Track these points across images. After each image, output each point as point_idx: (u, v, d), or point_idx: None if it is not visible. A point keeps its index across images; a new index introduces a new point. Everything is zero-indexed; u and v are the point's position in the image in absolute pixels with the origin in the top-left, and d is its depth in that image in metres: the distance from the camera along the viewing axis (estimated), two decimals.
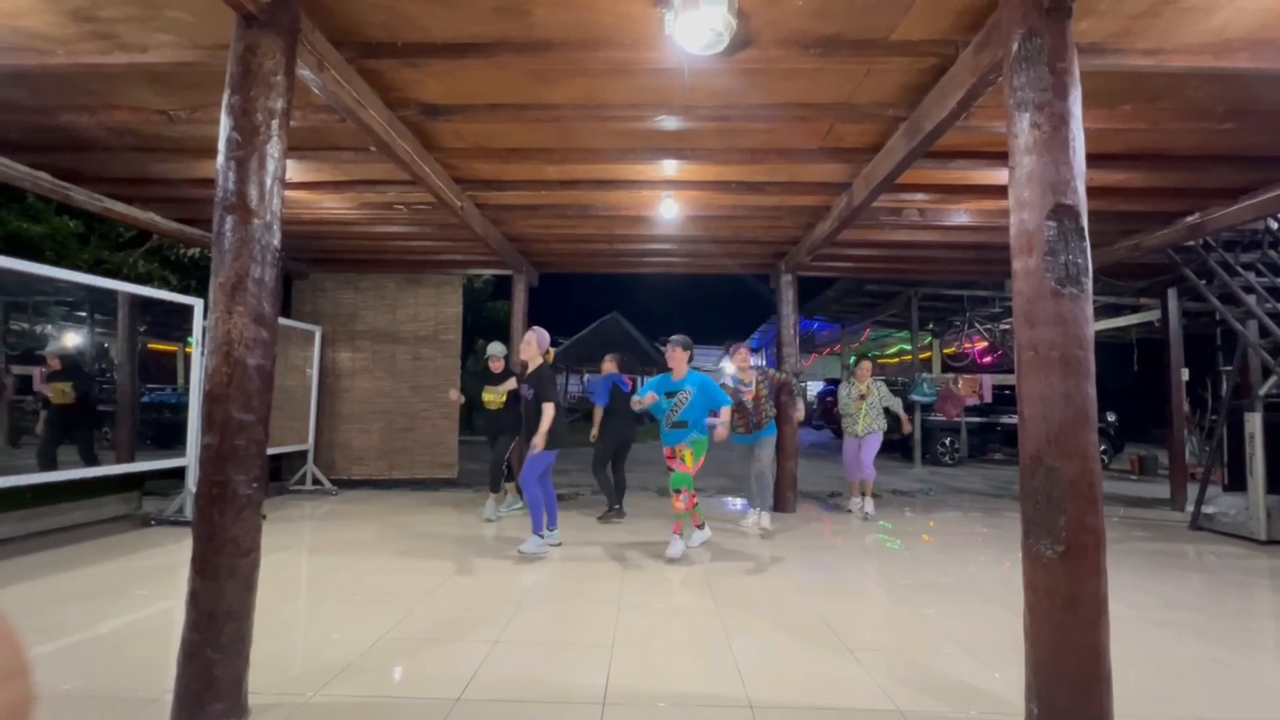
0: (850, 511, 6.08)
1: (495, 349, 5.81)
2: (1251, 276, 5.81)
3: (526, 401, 4.51)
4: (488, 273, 9.01)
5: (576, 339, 22.80)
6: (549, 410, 4.22)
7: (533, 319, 7.52)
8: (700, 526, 4.65)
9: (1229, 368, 6.50)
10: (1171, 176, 4.39)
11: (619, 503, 5.61)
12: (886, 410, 6.12)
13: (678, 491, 4.29)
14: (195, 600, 2.07)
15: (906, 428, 6.62)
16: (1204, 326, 9.52)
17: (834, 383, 18.50)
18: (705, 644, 2.83)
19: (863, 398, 6.05)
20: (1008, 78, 2.18)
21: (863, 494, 6.06)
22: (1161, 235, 5.40)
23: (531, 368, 4.48)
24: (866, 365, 6.25)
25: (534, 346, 4.45)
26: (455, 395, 5.97)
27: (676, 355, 4.43)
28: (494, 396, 5.61)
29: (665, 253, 7.03)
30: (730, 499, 7.03)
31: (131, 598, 3.35)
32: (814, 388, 21.26)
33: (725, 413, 4.39)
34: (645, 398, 4.44)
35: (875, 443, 6.02)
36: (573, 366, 23.85)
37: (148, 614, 3.13)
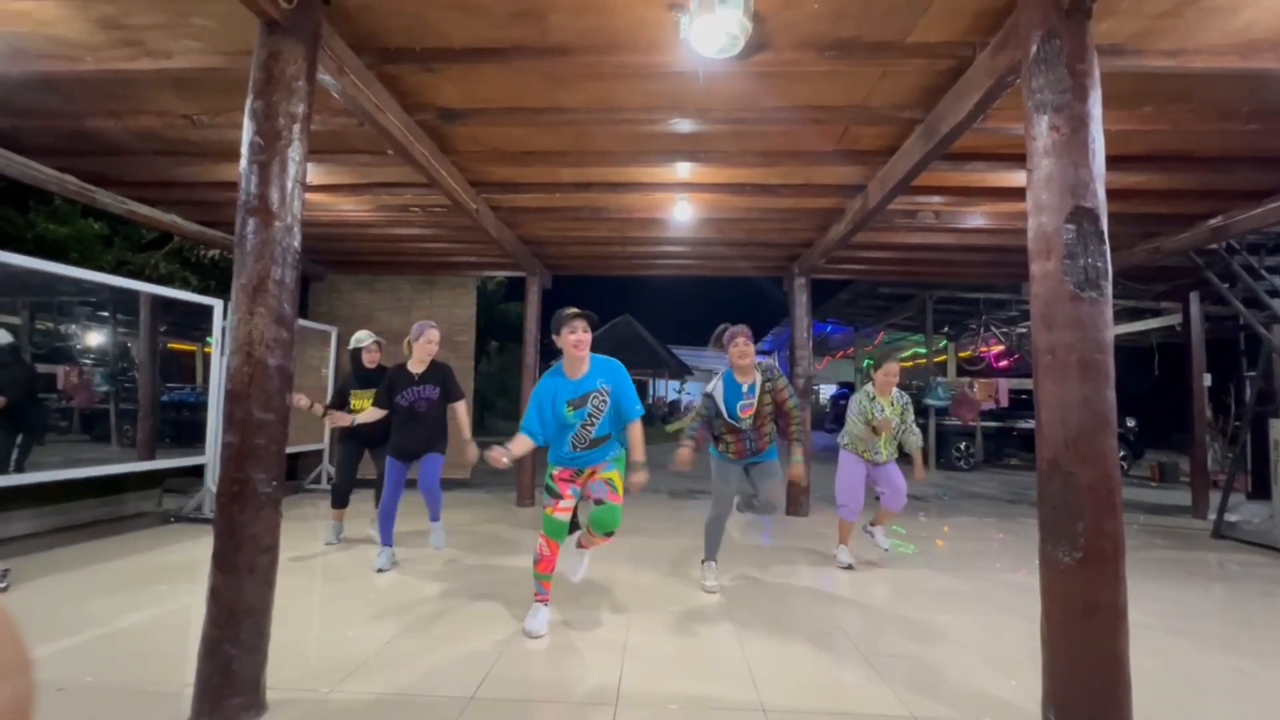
0: (841, 562, 4.27)
1: (369, 336, 4.61)
2: (1277, 280, 5.70)
3: (419, 411, 3.84)
4: (501, 275, 9.07)
5: None
6: (463, 407, 3.82)
7: (545, 321, 7.55)
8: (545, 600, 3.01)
9: (1253, 373, 6.39)
10: (1194, 178, 4.32)
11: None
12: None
13: (609, 535, 2.99)
14: (216, 596, 2.11)
15: (920, 473, 4.48)
16: (1227, 331, 9.36)
17: (848, 386, 18.38)
18: (718, 648, 2.82)
19: (887, 413, 4.16)
20: (1026, 79, 2.16)
21: (872, 524, 4.45)
22: (1183, 238, 5.31)
23: (425, 367, 3.85)
24: (893, 369, 4.27)
25: (437, 345, 3.90)
26: (303, 401, 3.89)
27: (586, 336, 2.87)
28: (367, 404, 4.13)
29: (678, 255, 7.04)
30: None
31: (153, 593, 3.41)
32: (827, 391, 21.13)
33: (638, 433, 2.96)
34: (517, 443, 2.84)
35: (896, 471, 4.26)
36: None
37: (168, 609, 3.19)
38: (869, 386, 4.35)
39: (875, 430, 4.15)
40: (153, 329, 5.97)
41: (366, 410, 3.89)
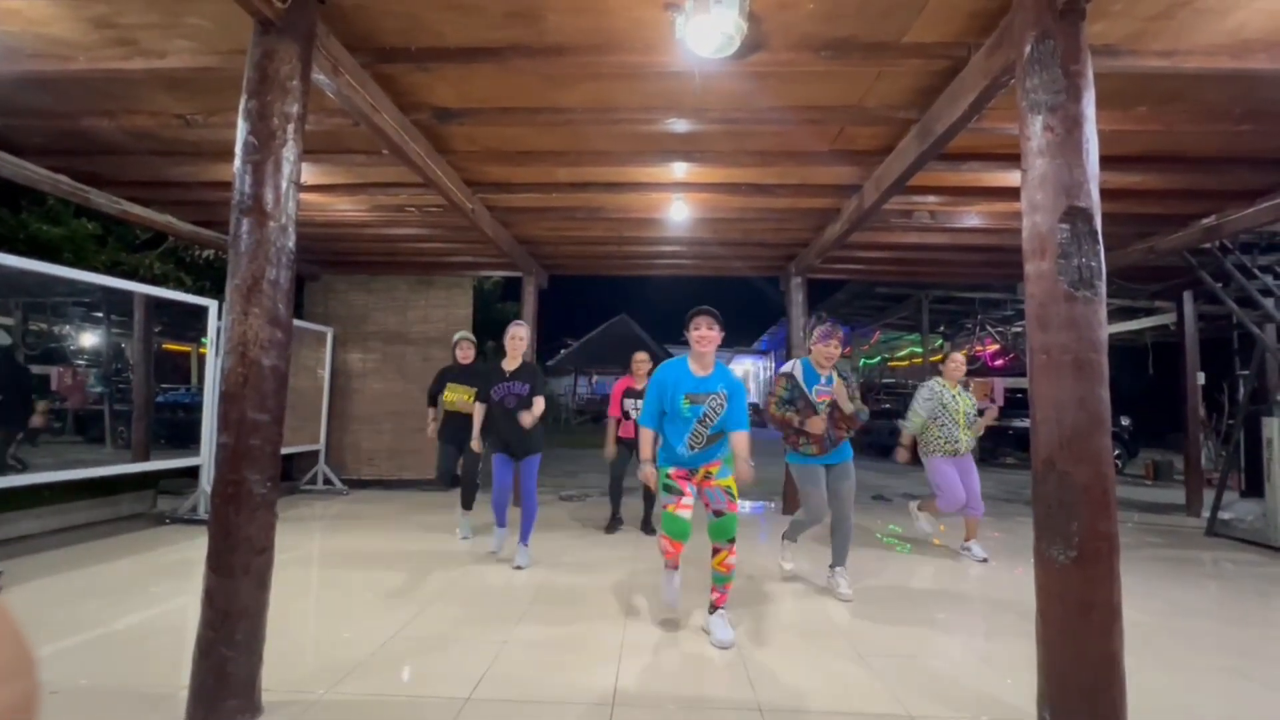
0: (964, 553, 4.58)
1: (467, 335, 5.08)
2: (1269, 279, 5.74)
3: (509, 407, 4.00)
4: (498, 274, 9.07)
5: (585, 341, 22.83)
6: (542, 403, 4.05)
7: (542, 321, 7.55)
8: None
9: (1246, 372, 6.42)
10: (1187, 178, 4.34)
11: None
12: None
13: (731, 542, 2.91)
14: (210, 598, 2.10)
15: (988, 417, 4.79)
16: (1220, 330, 9.41)
17: None
18: (714, 648, 2.82)
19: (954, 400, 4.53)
20: (1020, 80, 2.17)
21: (966, 541, 4.64)
22: (1177, 238, 5.34)
23: (516, 364, 4.10)
24: (960, 359, 4.76)
25: (525, 342, 4.14)
26: (469, 406, 4.73)
27: (710, 333, 2.96)
28: (465, 396, 4.59)
29: (675, 255, 7.04)
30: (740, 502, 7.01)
31: (147, 595, 3.39)
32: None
33: (745, 442, 2.93)
34: (648, 433, 2.98)
35: (974, 471, 4.58)
36: (582, 369, 23.89)
37: (163, 611, 3.18)
38: (938, 379, 4.72)
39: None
40: (147, 330, 5.93)
41: (467, 401, 4.25)
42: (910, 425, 4.63)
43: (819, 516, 3.65)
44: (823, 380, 3.63)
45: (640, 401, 4.19)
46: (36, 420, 5.12)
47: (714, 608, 2.98)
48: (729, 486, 2.96)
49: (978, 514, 4.55)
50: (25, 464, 4.73)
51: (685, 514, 2.92)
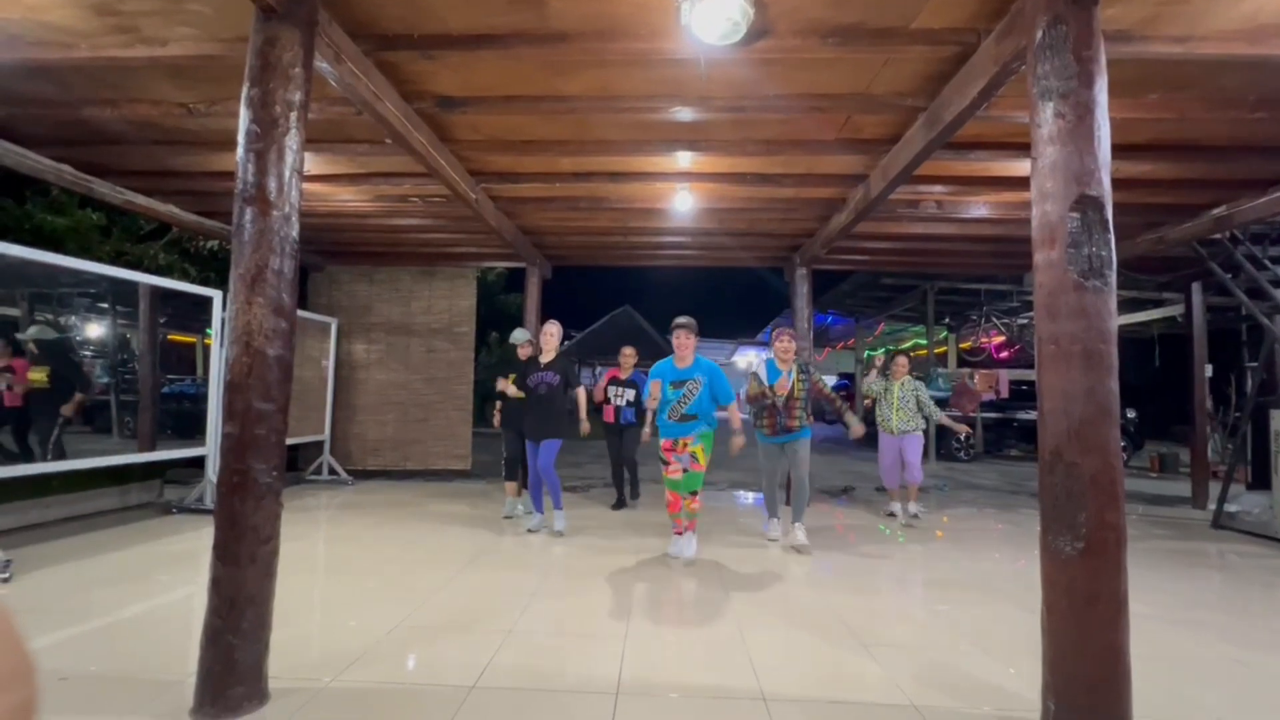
0: (896, 517, 5.51)
1: (524, 335, 5.51)
2: None
3: (540, 394, 4.58)
4: (501, 265, 9.06)
5: (589, 332, 22.82)
6: (585, 393, 4.79)
7: (545, 312, 7.54)
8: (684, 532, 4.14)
9: (1254, 364, 6.37)
10: (1199, 167, 4.29)
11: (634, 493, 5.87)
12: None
13: (694, 493, 4.04)
14: (217, 586, 2.11)
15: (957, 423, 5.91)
16: (1229, 321, 9.35)
17: (847, 377, 18.40)
18: (718, 637, 2.83)
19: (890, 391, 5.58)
20: (1031, 66, 2.13)
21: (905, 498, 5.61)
22: (1187, 228, 5.29)
23: (550, 357, 4.68)
24: (902, 361, 5.72)
25: (557, 338, 4.73)
26: (505, 385, 5.31)
27: (687, 341, 4.05)
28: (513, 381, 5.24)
29: (679, 245, 7.01)
30: (741, 493, 7.03)
31: (155, 583, 3.42)
32: (828, 382, 21.10)
33: (734, 410, 4.09)
34: (652, 391, 4.11)
35: (917, 443, 5.52)
36: (585, 360, 23.90)
37: (170, 599, 3.20)
38: (887, 377, 5.81)
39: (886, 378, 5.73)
40: (152, 320, 5.94)
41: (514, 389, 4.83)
42: (867, 385, 5.91)
43: (772, 480, 4.73)
44: (783, 375, 4.51)
45: (623, 389, 5.71)
46: (66, 410, 5.13)
47: (683, 531, 4.10)
48: (694, 453, 4.00)
49: (914, 481, 5.46)
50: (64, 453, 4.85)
51: (675, 476, 4.05)
